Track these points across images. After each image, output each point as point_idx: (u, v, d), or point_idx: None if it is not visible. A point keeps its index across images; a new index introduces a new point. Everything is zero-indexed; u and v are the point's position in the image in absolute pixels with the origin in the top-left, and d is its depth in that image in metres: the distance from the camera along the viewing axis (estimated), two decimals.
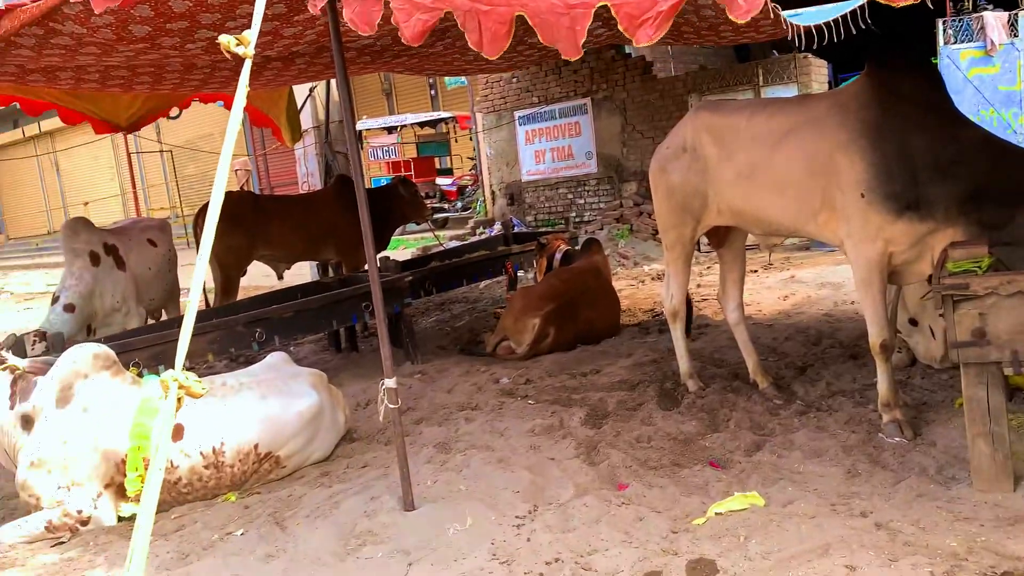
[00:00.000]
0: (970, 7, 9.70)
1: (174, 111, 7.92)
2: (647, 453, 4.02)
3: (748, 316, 6.24)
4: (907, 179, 3.74)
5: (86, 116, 7.47)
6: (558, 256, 7.49)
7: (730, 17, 2.67)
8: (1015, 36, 8.45)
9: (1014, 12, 8.53)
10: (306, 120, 10.53)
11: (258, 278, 9.07)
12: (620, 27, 2.82)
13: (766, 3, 2.39)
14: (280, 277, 8.21)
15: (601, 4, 2.81)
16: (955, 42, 8.63)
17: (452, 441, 4.46)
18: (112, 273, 6.32)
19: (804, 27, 8.45)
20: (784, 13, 3.14)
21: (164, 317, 7.06)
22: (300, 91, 10.13)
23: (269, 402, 4.26)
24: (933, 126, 3.79)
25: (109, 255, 6.35)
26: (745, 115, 4.53)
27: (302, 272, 9.94)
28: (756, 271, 8.80)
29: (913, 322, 4.77)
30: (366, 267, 4.20)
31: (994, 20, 8.46)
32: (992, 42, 8.37)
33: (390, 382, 3.58)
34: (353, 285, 6.42)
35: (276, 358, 4.73)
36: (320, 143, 10.91)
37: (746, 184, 4.40)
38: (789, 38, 6.33)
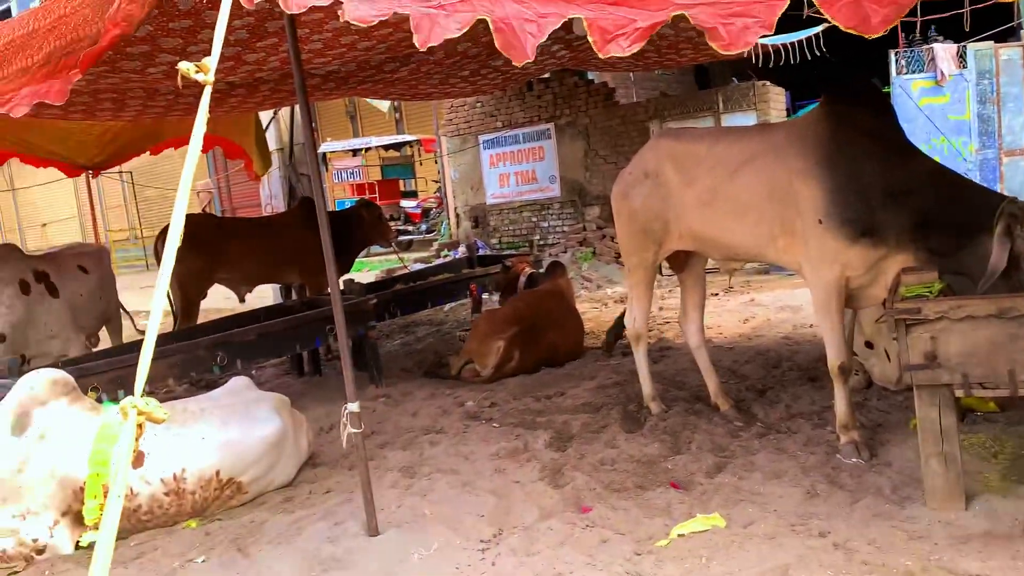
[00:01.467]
0: (921, 39, 10.02)
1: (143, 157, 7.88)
2: (611, 475, 4.05)
3: (709, 339, 6.32)
4: (862, 206, 3.85)
5: (51, 161, 7.40)
6: (522, 279, 7.54)
7: (713, 47, 2.66)
8: (964, 67, 8.74)
9: (962, 44, 8.82)
10: (270, 142, 10.51)
11: (219, 301, 8.98)
12: (590, 39, 2.78)
13: (754, 43, 2.37)
14: (242, 300, 8.14)
15: (575, 16, 2.77)
16: (907, 72, 8.90)
17: (417, 465, 4.45)
18: (45, 301, 6.19)
19: (763, 45, 8.64)
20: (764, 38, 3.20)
21: (104, 344, 6.97)
22: (264, 114, 10.11)
23: (231, 428, 4.21)
24: (886, 156, 3.91)
25: (40, 282, 6.21)
26: (706, 143, 4.64)
27: (264, 295, 9.86)
28: (717, 294, 8.93)
29: (869, 345, 4.88)
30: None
31: (944, 52, 8.75)
32: (942, 73, 8.65)
33: (353, 406, 3.57)
34: (316, 308, 6.39)
35: (238, 383, 4.69)
36: (284, 165, 10.88)
37: (707, 210, 4.49)
38: (745, 56, 6.45)
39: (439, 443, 4.78)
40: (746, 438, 4.37)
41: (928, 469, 3.28)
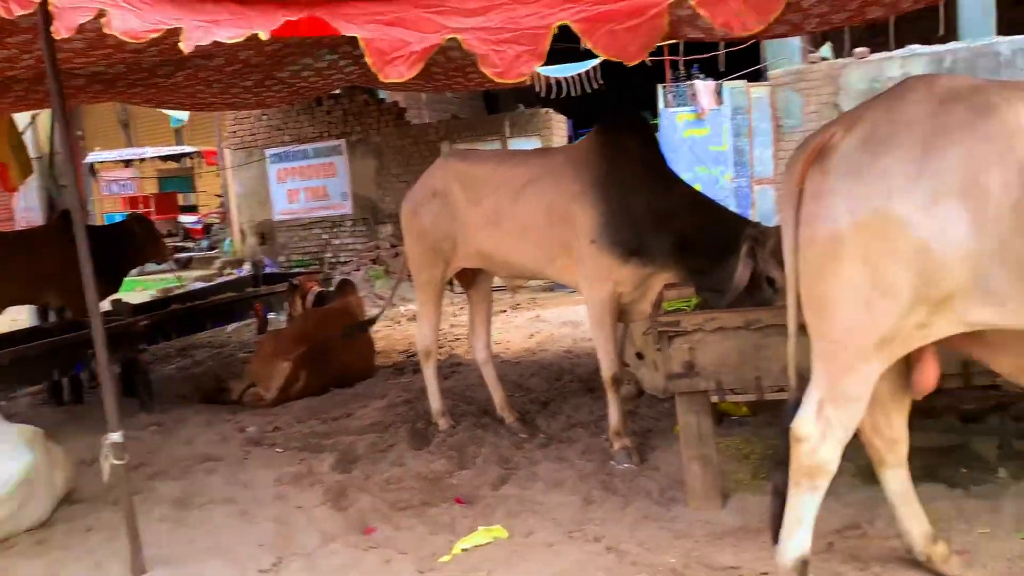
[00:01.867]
0: (685, 75, 10.92)
1: None
2: (397, 494, 4.03)
3: (497, 354, 6.47)
4: (631, 228, 4.13)
5: None
6: (310, 298, 7.34)
7: (486, 73, 2.73)
8: (721, 103, 9.65)
9: (719, 82, 9.73)
10: (30, 150, 9.56)
11: None
12: (368, 61, 2.79)
13: (529, 73, 2.45)
14: None
15: (351, 35, 2.75)
16: (674, 106, 9.68)
17: (191, 496, 4.19)
18: None
19: (546, 76, 9.01)
20: (546, 69, 3.34)
21: None
22: (21, 119, 9.19)
23: None
24: (652, 182, 4.22)
25: None
26: (491, 164, 4.78)
27: (19, 317, 8.91)
28: (506, 311, 9.18)
29: (640, 356, 5.20)
30: None
31: (704, 88, 9.60)
32: (703, 107, 9.49)
33: (115, 436, 3.30)
34: (77, 331, 5.86)
35: None
36: (44, 175, 9.94)
37: (492, 229, 4.61)
38: (529, 84, 6.69)
39: (216, 471, 4.53)
40: (530, 449, 4.51)
41: (689, 471, 3.55)
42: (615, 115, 4.55)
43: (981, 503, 3.26)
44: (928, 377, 2.67)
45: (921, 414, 4.31)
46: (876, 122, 2.51)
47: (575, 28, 2.09)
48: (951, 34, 10.77)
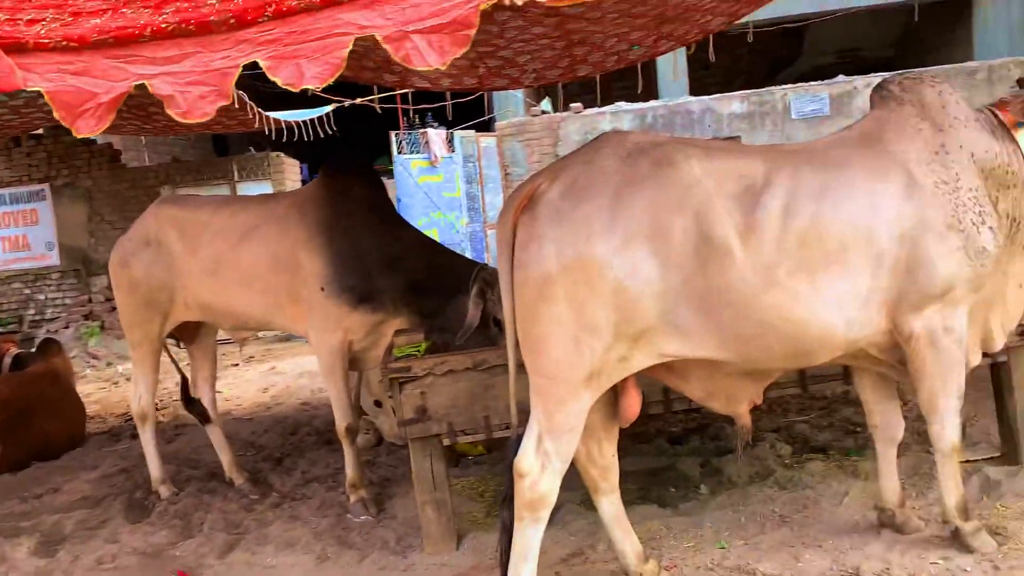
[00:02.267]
0: (419, 123, 11.19)
1: None
2: (109, 575, 3.63)
3: (227, 411, 6.13)
4: (361, 274, 4.10)
5: None
6: (7, 361, 6.51)
7: (172, 114, 2.64)
8: (453, 151, 9.99)
9: (451, 130, 10.08)
10: None
11: None
12: (58, 116, 2.60)
13: (213, 112, 2.36)
14: None
15: (34, 88, 2.54)
16: (407, 153, 9.86)
17: None
18: None
19: (276, 121, 8.84)
20: (278, 113, 3.26)
21: None
22: None
23: None
24: (379, 227, 4.24)
25: None
26: (210, 210, 4.55)
27: None
28: (237, 364, 8.74)
29: (378, 404, 5.17)
30: None
31: (436, 136, 9.89)
32: (435, 155, 9.77)
33: None
34: None
35: None
36: None
37: (213, 279, 4.38)
38: (257, 127, 6.51)
39: None
40: (261, 510, 4.28)
41: (424, 516, 3.55)
42: (341, 159, 4.53)
43: (687, 519, 3.57)
44: (632, 406, 2.89)
45: (635, 439, 4.69)
46: (576, 173, 2.71)
47: (263, 65, 2.09)
48: (652, 94, 12.02)
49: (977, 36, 12.70)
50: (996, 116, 3.01)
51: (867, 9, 12.14)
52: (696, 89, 12.16)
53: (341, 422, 4.18)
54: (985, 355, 3.30)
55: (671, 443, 4.59)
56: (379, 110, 7.92)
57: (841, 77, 9.85)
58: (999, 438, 3.83)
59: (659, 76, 11.44)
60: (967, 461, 3.72)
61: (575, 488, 3.48)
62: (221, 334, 4.99)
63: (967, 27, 12.83)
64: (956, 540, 3.02)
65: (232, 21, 2.17)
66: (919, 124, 2.90)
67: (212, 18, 2.17)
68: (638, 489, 4.01)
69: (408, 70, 2.30)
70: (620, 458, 4.37)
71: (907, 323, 2.81)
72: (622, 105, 10.20)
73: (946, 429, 2.95)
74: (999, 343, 3.11)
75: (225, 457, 4.73)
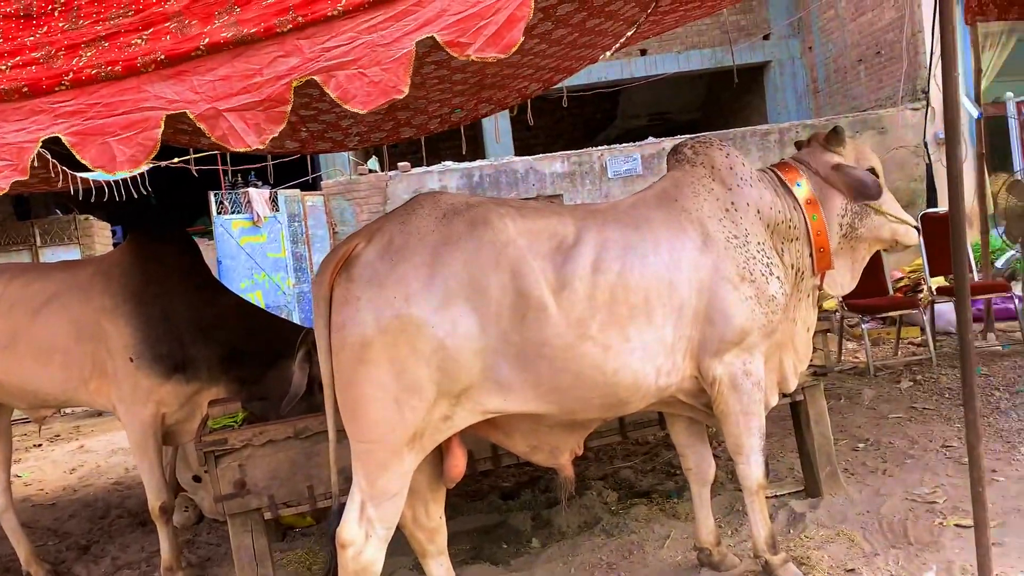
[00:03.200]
0: (242, 183, 10.86)
1: None
2: None
3: (27, 497, 5.61)
4: (173, 342, 3.89)
5: None
6: None
7: None
8: (277, 210, 9.76)
9: (274, 189, 9.86)
10: None
11: None
12: None
13: (6, 187, 2.17)
14: None
15: None
16: (229, 213, 9.54)
17: None
18: None
19: (84, 180, 8.31)
20: (86, 173, 3.02)
21: None
22: None
23: None
24: (193, 292, 4.05)
25: None
26: (4, 280, 4.19)
27: None
28: (40, 445, 7.99)
29: (197, 479, 4.87)
30: None
31: (257, 196, 9.63)
32: (258, 215, 9.50)
33: None
34: None
35: None
36: None
37: (6, 355, 4.02)
38: (62, 187, 6.11)
39: None
40: None
41: None
42: (152, 222, 4.32)
43: (518, 575, 3.58)
44: (457, 466, 2.88)
45: (468, 497, 4.68)
46: (392, 233, 2.72)
47: (66, 141, 1.95)
48: (479, 153, 12.34)
49: (768, 102, 14.00)
50: (777, 175, 3.30)
51: (670, 76, 13.09)
52: (521, 149, 12.61)
53: (155, 501, 3.91)
54: (784, 395, 3.59)
55: (503, 498, 4.61)
56: (195, 173, 7.62)
57: (651, 139, 10.52)
58: (801, 472, 4.12)
59: (484, 136, 11.77)
60: (774, 496, 3.98)
61: (407, 553, 3.41)
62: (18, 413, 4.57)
63: (760, 93, 14.13)
64: (767, 573, 3.20)
65: (25, 89, 2.02)
66: (710, 184, 3.14)
67: (2, 86, 2.01)
68: (471, 548, 3.99)
69: None
70: (453, 517, 4.37)
71: (710, 369, 2.99)
72: (449, 164, 10.39)
73: (752, 467, 3.14)
74: (793, 384, 3.37)
75: (22, 549, 4.28)
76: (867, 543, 3.42)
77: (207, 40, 1.95)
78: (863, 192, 3.25)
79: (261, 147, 2.01)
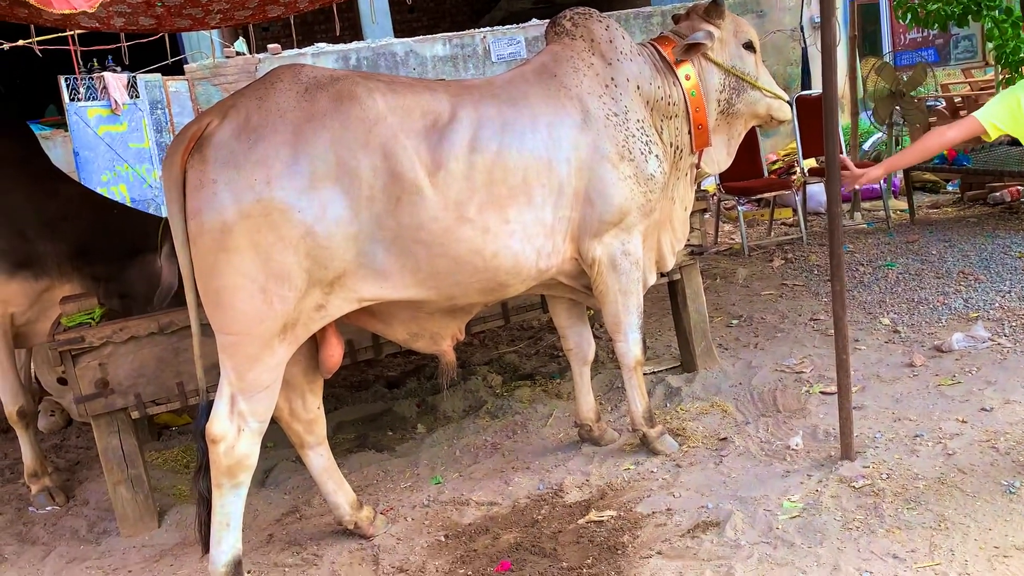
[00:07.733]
0: (99, 67, 9.95)
1: None
2: None
3: None
4: (14, 237, 3.56)
5: None
6: None
7: None
8: (137, 97, 9.02)
9: (133, 74, 9.09)
10: None
11: None
12: None
13: None
14: None
15: None
16: (84, 100, 8.75)
17: None
18: None
19: None
20: None
21: None
22: None
23: None
24: (34, 186, 3.70)
25: None
26: None
27: None
28: None
29: (62, 381, 4.59)
30: None
31: (115, 81, 8.85)
32: (116, 102, 8.76)
33: None
34: None
35: None
36: None
37: None
38: None
39: None
40: None
41: (117, 497, 3.22)
42: None
43: (403, 460, 3.57)
44: (333, 355, 2.78)
45: (353, 387, 4.61)
46: (249, 110, 2.50)
47: None
48: (358, 35, 11.72)
49: None
50: (658, 51, 3.22)
51: None
52: (402, 31, 12.05)
53: (11, 406, 3.66)
54: (662, 275, 3.63)
55: (389, 387, 4.57)
56: (40, 54, 6.88)
57: (535, 21, 10.22)
58: (678, 349, 4.24)
59: (361, 17, 11.16)
60: (651, 372, 4.09)
61: (289, 445, 3.33)
62: None
63: None
64: (644, 445, 3.29)
65: None
66: (590, 59, 3.03)
67: None
68: (356, 437, 3.96)
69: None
70: (338, 408, 4.32)
71: (590, 249, 2.97)
72: (323, 46, 9.84)
73: (630, 345, 3.18)
74: (670, 263, 3.40)
75: None
76: (739, 413, 3.57)
77: None
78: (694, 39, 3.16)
79: (89, 10, 1.76)
